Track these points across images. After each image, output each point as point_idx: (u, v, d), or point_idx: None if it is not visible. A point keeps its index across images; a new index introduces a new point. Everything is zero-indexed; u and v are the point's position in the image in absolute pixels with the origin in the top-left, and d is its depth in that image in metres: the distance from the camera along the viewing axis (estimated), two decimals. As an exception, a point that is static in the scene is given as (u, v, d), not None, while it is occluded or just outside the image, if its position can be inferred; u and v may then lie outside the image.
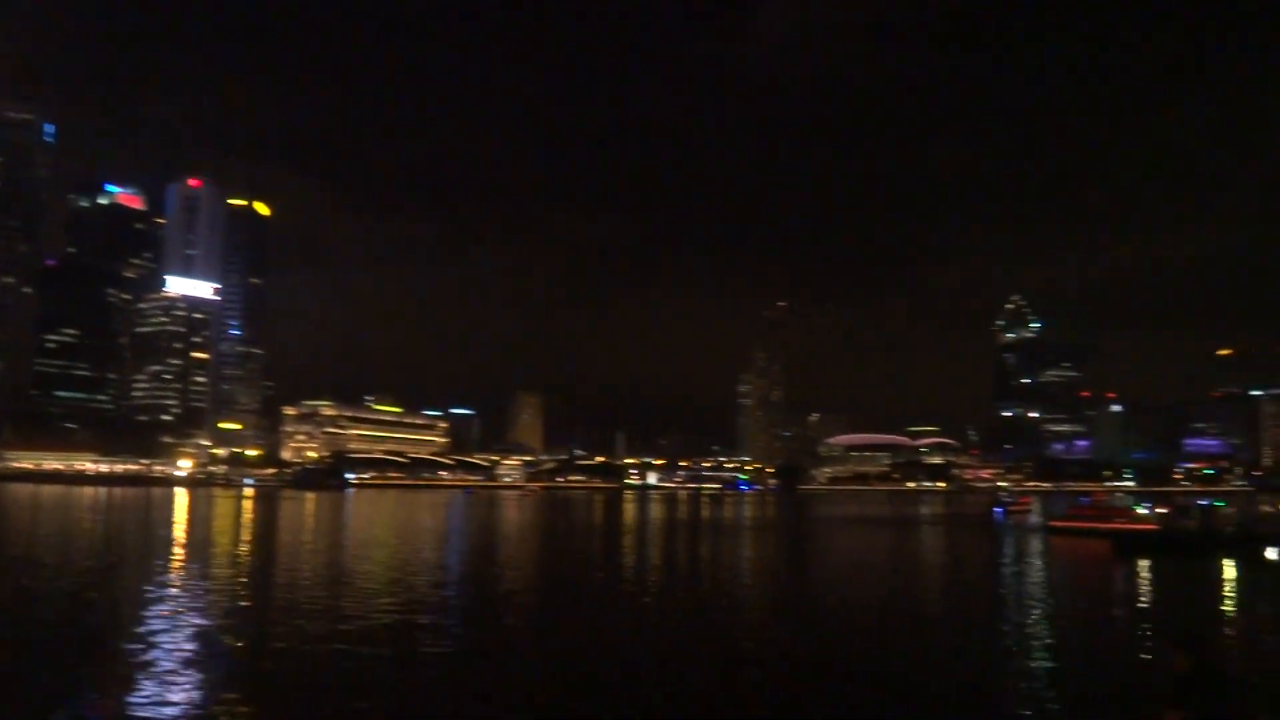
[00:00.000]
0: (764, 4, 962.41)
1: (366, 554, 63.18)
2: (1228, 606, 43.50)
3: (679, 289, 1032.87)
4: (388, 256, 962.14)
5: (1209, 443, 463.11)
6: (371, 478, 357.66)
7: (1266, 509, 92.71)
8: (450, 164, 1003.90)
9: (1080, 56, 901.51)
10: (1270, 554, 64.82)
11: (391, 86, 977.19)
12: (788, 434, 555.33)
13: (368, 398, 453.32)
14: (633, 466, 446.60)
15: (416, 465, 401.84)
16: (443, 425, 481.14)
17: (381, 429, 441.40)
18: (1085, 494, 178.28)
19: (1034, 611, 39.91)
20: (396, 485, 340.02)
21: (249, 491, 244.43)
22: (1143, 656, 28.34)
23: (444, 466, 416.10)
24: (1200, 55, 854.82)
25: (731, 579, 53.16)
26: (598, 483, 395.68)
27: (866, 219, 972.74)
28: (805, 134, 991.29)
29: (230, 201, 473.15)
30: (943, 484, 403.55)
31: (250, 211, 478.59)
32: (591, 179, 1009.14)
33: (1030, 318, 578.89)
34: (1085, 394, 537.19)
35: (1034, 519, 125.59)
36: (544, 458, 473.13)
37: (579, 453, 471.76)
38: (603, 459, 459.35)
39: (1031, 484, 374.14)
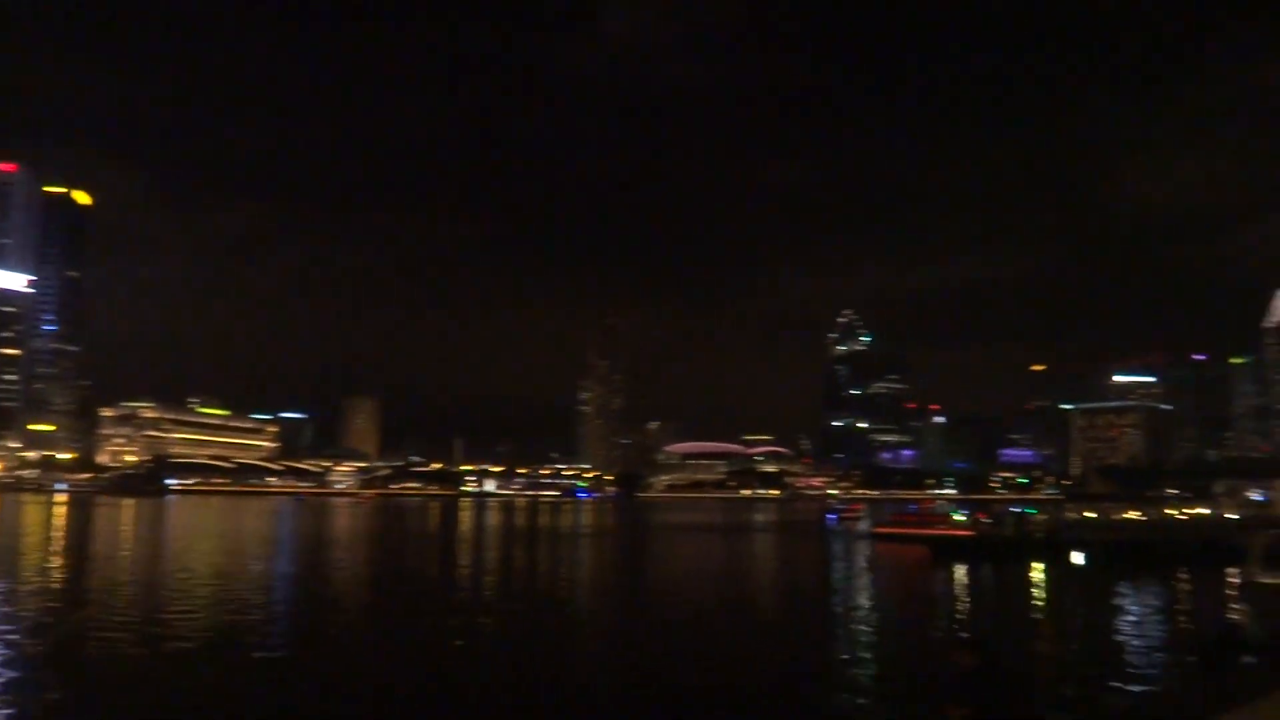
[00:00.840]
0: (606, 9, 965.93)
1: (185, 566, 60.48)
2: (1032, 607, 45.85)
3: (520, 293, 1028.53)
4: (216, 251, 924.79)
5: (1023, 453, 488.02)
6: (195, 484, 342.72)
7: (1072, 516, 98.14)
8: (281, 157, 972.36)
9: (906, 78, 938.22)
10: (1075, 558, 68.68)
11: (219, 75, 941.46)
12: (627, 442, 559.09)
13: (192, 399, 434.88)
14: (470, 473, 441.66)
15: (244, 471, 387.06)
16: (272, 429, 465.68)
17: (206, 432, 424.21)
18: (914, 502, 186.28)
19: (856, 613, 41.29)
20: (222, 492, 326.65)
21: (61, 497, 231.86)
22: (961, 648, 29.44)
23: (273, 473, 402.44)
24: (1016, 81, 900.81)
25: (567, 586, 53.09)
26: (434, 490, 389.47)
27: (708, 227, 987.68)
28: (647, 140, 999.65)
29: (46, 189, 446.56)
30: (776, 491, 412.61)
31: (68, 200, 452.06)
32: (429, 177, 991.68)
33: (861, 331, 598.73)
34: (911, 405, 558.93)
35: (862, 525, 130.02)
36: (378, 464, 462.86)
37: (415, 459, 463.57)
38: (439, 466, 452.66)
39: (860, 492, 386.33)
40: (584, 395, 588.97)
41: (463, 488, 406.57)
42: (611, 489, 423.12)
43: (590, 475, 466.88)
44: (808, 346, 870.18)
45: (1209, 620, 36.09)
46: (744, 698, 23.61)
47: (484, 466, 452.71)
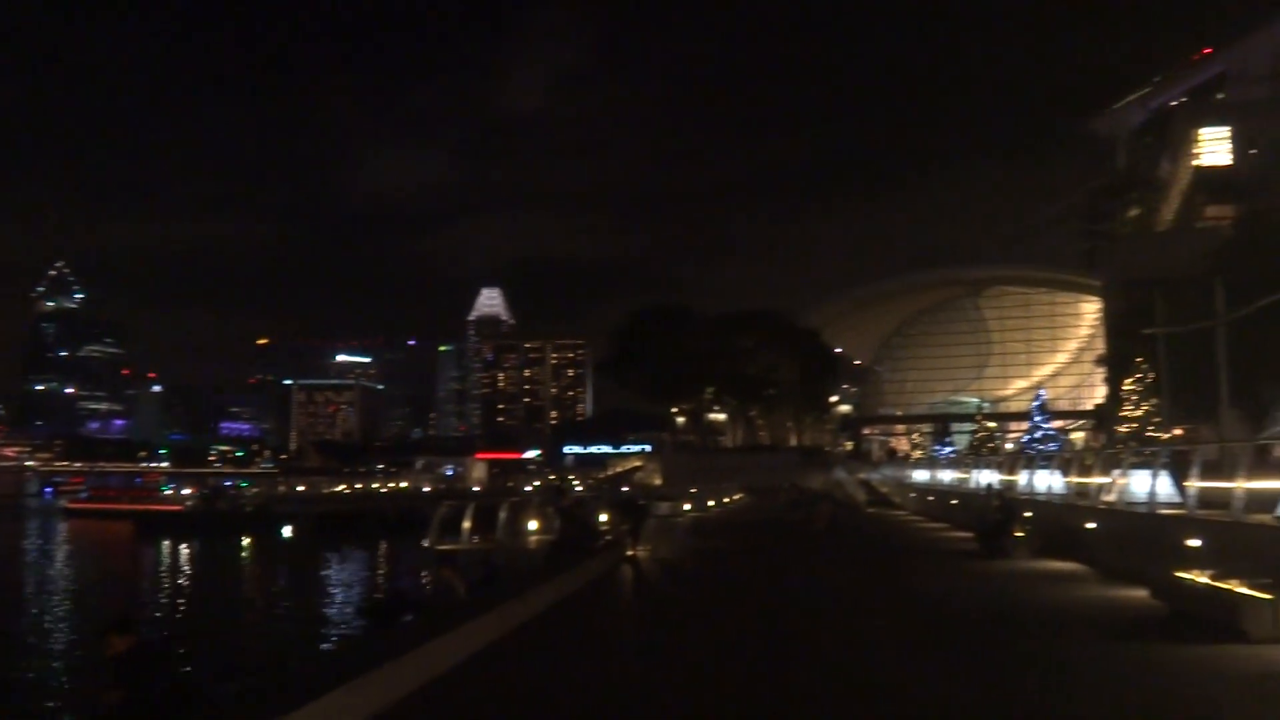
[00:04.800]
0: None
1: None
2: (235, 581, 46.98)
3: None
4: None
5: (242, 426, 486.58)
6: None
7: (284, 490, 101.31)
8: None
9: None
10: (285, 531, 71.28)
11: None
12: None
13: None
14: None
15: None
16: None
17: None
18: (139, 474, 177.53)
19: (35, 598, 38.79)
20: None
21: None
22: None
23: None
24: (246, 52, 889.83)
25: None
26: None
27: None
28: None
29: None
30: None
31: None
32: None
33: (74, 287, 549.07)
34: (126, 372, 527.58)
35: (65, 502, 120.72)
36: None
37: None
38: None
39: (63, 463, 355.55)
40: None
41: None
42: None
43: None
44: (10, 300, 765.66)
45: (389, 583, 40.18)
46: None
47: None
